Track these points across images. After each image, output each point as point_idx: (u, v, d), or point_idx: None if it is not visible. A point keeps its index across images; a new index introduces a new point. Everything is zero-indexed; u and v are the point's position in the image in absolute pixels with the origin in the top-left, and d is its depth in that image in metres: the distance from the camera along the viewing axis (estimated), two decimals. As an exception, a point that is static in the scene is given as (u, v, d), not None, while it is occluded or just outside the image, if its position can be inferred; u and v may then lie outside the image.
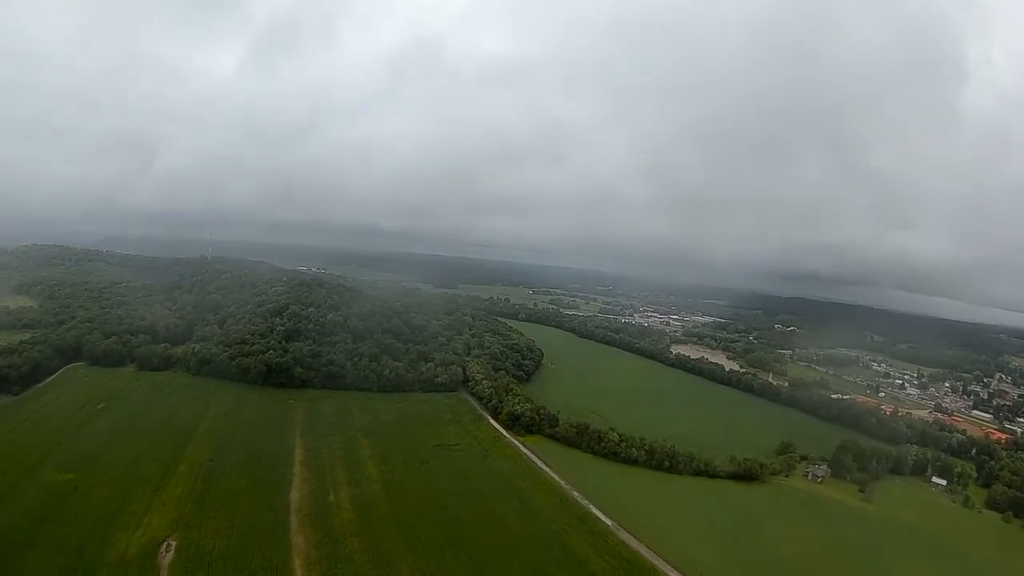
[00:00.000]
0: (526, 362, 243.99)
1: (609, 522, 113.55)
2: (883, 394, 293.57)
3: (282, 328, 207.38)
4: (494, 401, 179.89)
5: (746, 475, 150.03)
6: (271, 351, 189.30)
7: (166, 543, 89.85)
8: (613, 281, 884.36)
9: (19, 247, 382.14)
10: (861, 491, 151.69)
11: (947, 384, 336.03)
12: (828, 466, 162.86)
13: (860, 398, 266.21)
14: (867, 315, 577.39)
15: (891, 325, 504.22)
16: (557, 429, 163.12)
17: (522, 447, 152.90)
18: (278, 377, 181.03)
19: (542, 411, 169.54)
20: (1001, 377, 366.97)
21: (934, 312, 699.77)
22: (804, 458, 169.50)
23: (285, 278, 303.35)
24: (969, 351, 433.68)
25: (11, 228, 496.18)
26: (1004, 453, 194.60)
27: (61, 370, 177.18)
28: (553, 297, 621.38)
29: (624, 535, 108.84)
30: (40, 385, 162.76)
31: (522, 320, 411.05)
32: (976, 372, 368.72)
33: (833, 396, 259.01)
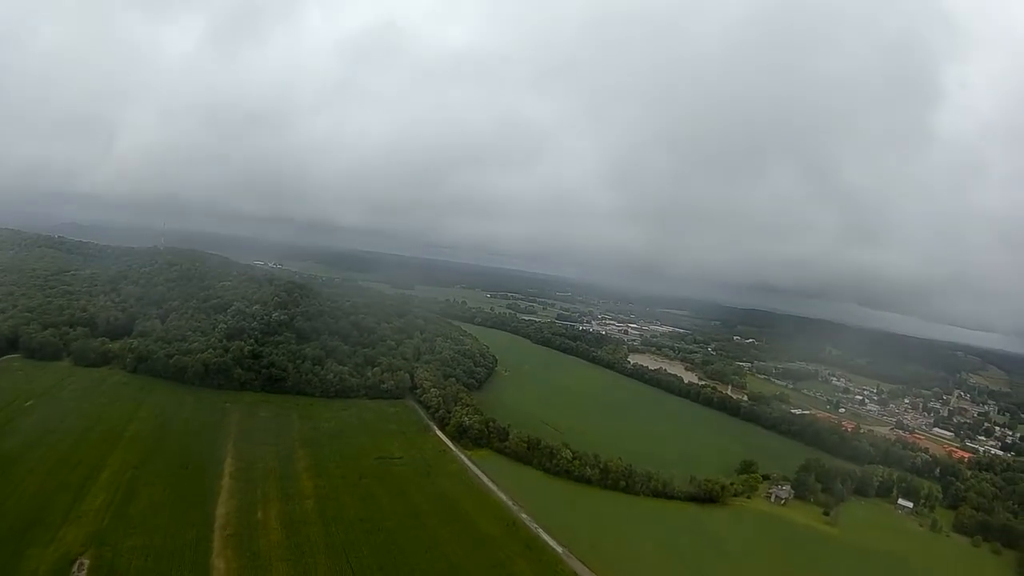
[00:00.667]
0: (478, 369, 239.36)
1: (560, 549, 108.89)
2: (843, 410, 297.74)
3: (224, 326, 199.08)
4: (442, 411, 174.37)
5: (706, 497, 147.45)
6: (210, 350, 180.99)
7: (79, 562, 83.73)
8: (573, 288, 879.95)
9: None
10: (826, 514, 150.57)
11: (907, 401, 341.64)
12: (791, 487, 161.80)
13: (820, 414, 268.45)
14: (826, 329, 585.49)
15: (850, 339, 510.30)
16: (507, 443, 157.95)
17: (469, 463, 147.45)
18: (216, 378, 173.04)
19: (492, 424, 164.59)
20: (960, 394, 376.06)
21: (892, 328, 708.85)
22: (766, 477, 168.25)
23: (235, 272, 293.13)
24: (927, 368, 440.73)
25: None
26: (969, 473, 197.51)
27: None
28: (511, 301, 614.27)
29: (575, 563, 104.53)
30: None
31: (477, 324, 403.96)
32: (935, 389, 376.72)
33: (794, 411, 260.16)
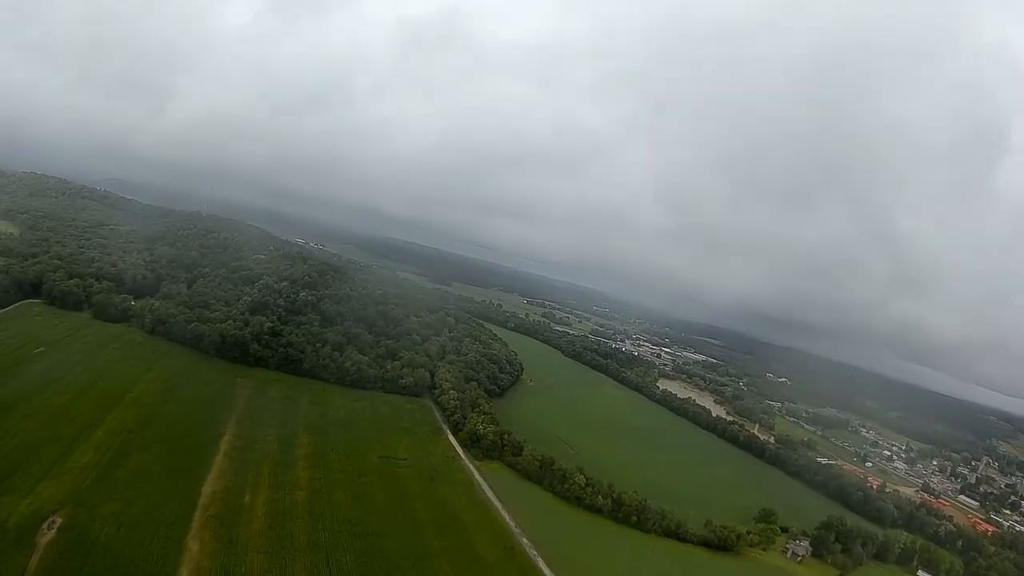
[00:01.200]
0: (503, 375, 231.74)
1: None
2: (870, 464, 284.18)
3: (249, 299, 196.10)
4: (457, 415, 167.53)
5: (720, 544, 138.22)
6: (230, 321, 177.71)
7: (51, 519, 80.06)
8: (611, 303, 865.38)
9: (19, 173, 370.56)
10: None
11: (935, 462, 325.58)
12: (810, 543, 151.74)
13: (847, 466, 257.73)
14: (860, 377, 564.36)
15: (883, 391, 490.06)
16: (520, 459, 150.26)
17: (477, 474, 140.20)
18: (232, 350, 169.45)
19: (507, 436, 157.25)
20: (988, 462, 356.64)
21: (926, 383, 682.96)
22: (785, 530, 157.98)
23: (272, 247, 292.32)
24: (958, 429, 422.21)
25: (19, 153, 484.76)
26: (992, 549, 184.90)
27: (15, 304, 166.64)
28: (547, 310, 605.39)
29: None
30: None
31: (510, 329, 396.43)
32: (964, 453, 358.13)
33: (820, 460, 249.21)
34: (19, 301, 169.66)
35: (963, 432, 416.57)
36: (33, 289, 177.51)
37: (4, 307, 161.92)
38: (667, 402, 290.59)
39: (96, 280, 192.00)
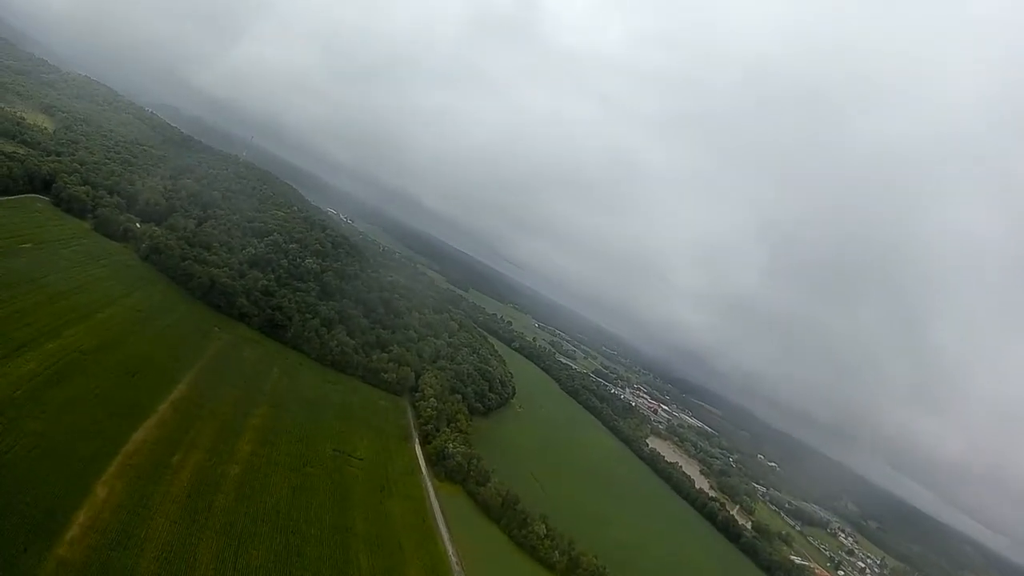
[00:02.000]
0: (492, 395, 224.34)
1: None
2: (843, 574, 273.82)
3: (252, 251, 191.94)
4: (431, 425, 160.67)
5: None
6: (226, 268, 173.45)
7: (-36, 426, 74.51)
8: (620, 347, 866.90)
9: (73, 74, 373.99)
10: None
11: None
12: None
13: (819, 570, 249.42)
14: (848, 477, 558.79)
15: (868, 497, 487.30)
16: (483, 489, 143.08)
17: (433, 495, 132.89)
18: (218, 299, 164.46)
19: (476, 461, 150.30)
20: None
21: (912, 499, 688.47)
22: None
23: (296, 207, 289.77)
24: (934, 553, 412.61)
25: (79, 55, 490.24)
26: None
27: (20, 195, 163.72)
28: (556, 338, 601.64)
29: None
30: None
31: (513, 349, 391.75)
32: None
33: (794, 557, 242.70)
34: (26, 193, 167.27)
35: (938, 557, 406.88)
36: (44, 185, 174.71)
37: (9, 195, 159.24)
38: (653, 462, 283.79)
39: (108, 193, 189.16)
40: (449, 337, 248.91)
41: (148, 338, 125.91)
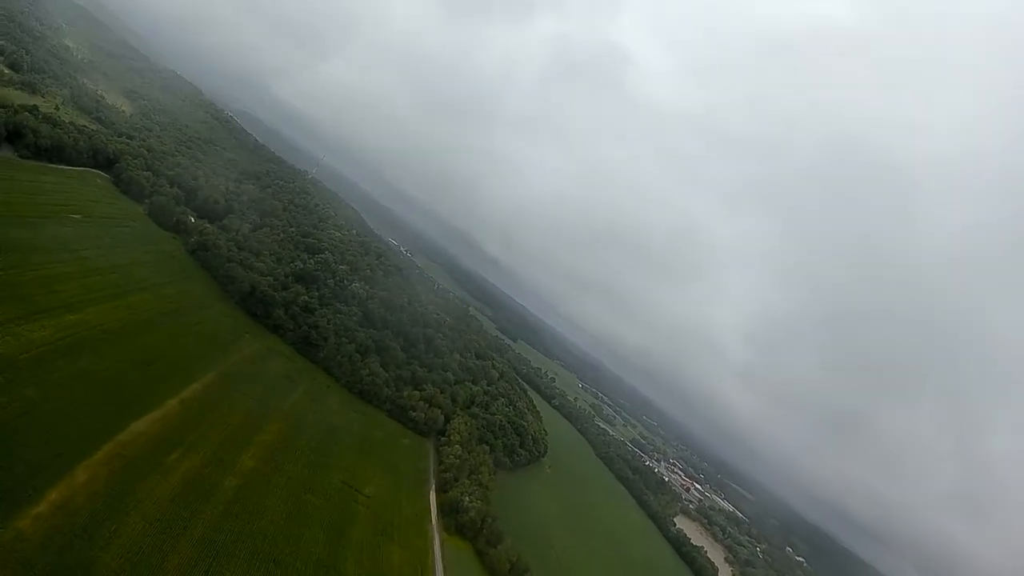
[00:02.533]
0: (522, 451, 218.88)
1: None
2: None
3: (300, 266, 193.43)
4: (451, 474, 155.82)
5: None
6: (270, 277, 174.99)
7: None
8: (660, 418, 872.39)
9: (162, 67, 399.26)
10: None
11: None
12: None
13: None
14: None
15: None
16: (493, 550, 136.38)
17: (438, 549, 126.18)
18: (256, 306, 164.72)
19: (490, 520, 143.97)
20: None
21: None
22: None
23: (355, 231, 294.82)
24: None
25: (172, 52, 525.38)
26: None
27: (82, 168, 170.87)
28: (597, 401, 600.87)
29: None
30: (53, 166, 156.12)
31: (553, 406, 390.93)
32: None
33: None
34: (89, 168, 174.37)
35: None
36: (107, 163, 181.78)
37: (72, 165, 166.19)
38: (678, 544, 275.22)
39: (169, 184, 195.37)
40: (488, 385, 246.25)
41: (174, 331, 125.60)
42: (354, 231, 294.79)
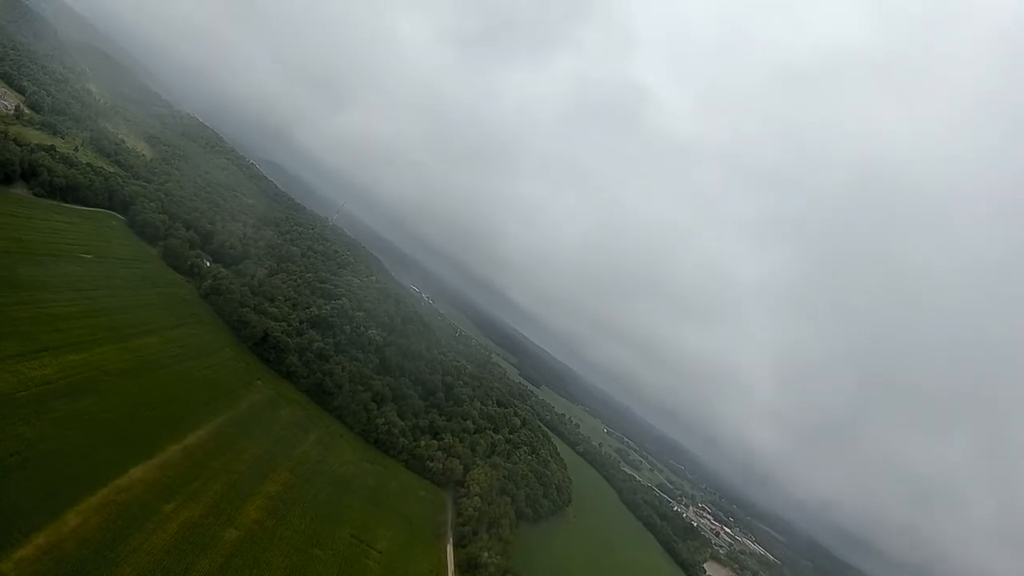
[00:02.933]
0: (545, 501, 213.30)
1: None
2: None
3: (315, 312, 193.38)
4: (470, 527, 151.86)
5: None
6: (284, 323, 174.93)
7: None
8: (688, 461, 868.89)
9: (183, 112, 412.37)
10: None
11: None
12: None
13: None
14: None
15: None
16: None
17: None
18: (269, 352, 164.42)
19: None
20: None
21: None
22: None
23: (375, 276, 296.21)
24: None
25: (193, 97, 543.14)
26: None
27: (97, 209, 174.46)
28: (623, 446, 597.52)
29: None
30: (67, 205, 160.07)
31: (577, 452, 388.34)
32: None
33: None
34: (104, 208, 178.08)
35: None
36: (123, 205, 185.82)
37: (86, 206, 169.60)
38: None
39: (185, 227, 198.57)
40: (509, 433, 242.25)
41: (180, 375, 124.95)
42: (373, 277, 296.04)
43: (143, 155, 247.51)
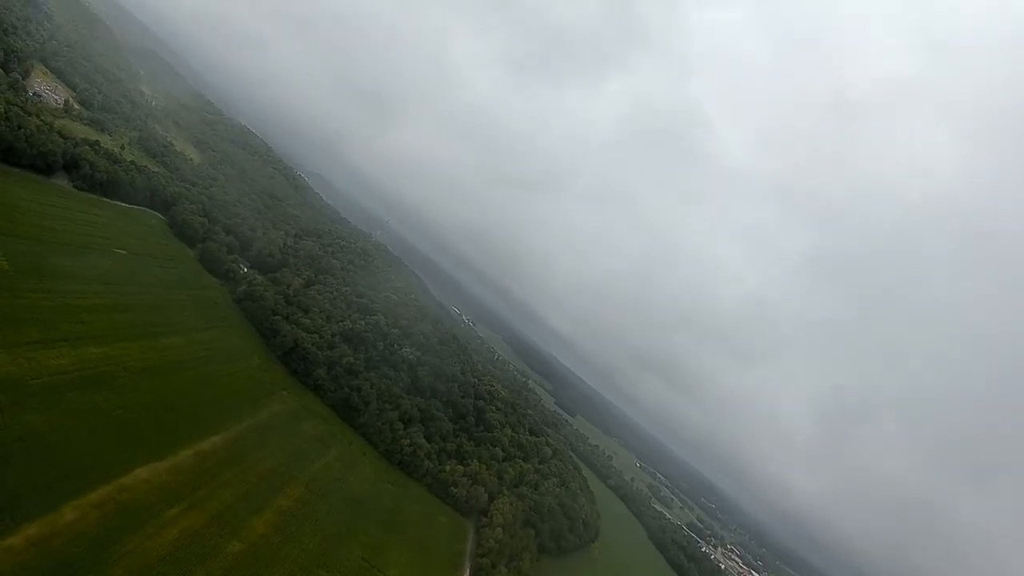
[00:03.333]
0: (571, 535, 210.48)
1: None
2: None
3: (350, 327, 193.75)
4: (489, 559, 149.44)
5: None
6: (316, 334, 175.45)
7: None
8: (720, 500, 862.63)
9: (235, 121, 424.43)
10: None
11: None
12: None
13: None
14: None
15: None
16: None
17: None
18: (297, 363, 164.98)
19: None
20: None
21: None
22: None
23: (413, 295, 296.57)
24: None
25: (245, 107, 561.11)
26: None
27: (138, 207, 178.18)
28: (655, 482, 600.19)
29: None
30: (107, 200, 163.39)
31: (608, 486, 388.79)
32: None
33: None
34: (145, 207, 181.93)
35: None
36: (165, 205, 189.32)
37: (127, 203, 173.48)
38: None
39: (225, 232, 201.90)
40: (539, 463, 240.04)
41: (203, 378, 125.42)
42: (412, 295, 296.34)
43: (190, 158, 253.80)
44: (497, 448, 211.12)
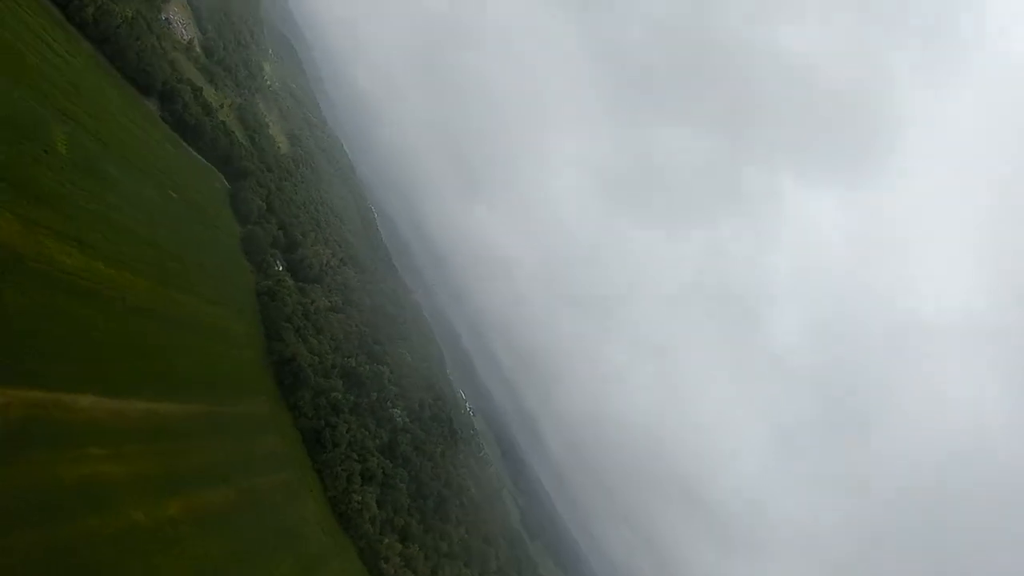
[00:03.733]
0: None
1: None
2: None
3: (353, 364, 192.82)
4: None
5: None
6: (317, 357, 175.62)
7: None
8: None
9: (334, 135, 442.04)
10: None
11: None
12: None
13: None
14: None
15: None
16: None
17: None
18: (287, 375, 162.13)
19: None
20: None
21: None
22: None
23: (428, 363, 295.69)
24: None
25: (350, 124, 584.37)
26: None
27: (210, 164, 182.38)
28: None
29: None
30: (184, 143, 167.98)
31: None
32: None
33: None
34: (216, 168, 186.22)
35: None
36: (234, 176, 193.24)
37: (202, 156, 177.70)
38: None
39: (277, 226, 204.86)
40: (479, 573, 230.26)
41: (190, 346, 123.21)
42: (427, 364, 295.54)
43: (279, 146, 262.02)
44: (444, 542, 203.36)
